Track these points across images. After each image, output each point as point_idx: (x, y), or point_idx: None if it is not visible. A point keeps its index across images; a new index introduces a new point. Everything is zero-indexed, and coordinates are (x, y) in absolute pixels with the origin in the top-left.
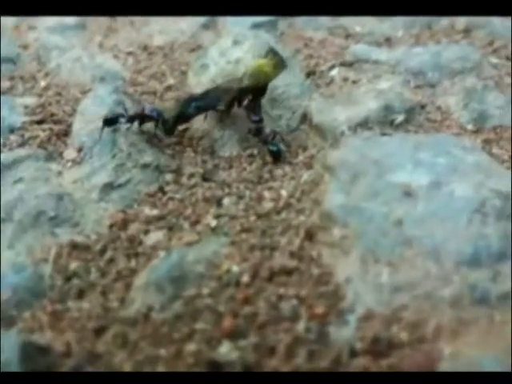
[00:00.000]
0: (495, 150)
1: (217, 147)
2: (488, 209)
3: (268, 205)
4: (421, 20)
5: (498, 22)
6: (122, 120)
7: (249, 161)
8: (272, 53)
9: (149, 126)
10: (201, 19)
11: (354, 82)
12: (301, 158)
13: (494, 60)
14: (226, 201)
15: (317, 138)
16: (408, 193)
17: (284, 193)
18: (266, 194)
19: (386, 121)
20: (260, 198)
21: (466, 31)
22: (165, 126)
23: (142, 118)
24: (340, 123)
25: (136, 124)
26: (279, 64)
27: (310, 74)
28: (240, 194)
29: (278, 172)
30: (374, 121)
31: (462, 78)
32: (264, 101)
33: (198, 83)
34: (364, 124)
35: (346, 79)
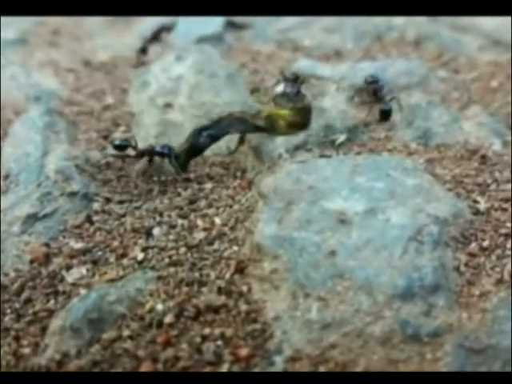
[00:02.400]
0: (438, 170)
1: (152, 170)
2: (424, 236)
3: (200, 235)
4: (371, 32)
5: (447, 34)
6: (131, 152)
7: (184, 185)
8: (296, 110)
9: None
10: (145, 33)
11: None
12: (238, 181)
13: (442, 73)
14: (156, 231)
15: (255, 160)
16: (343, 220)
17: (218, 221)
18: (199, 222)
19: (326, 141)
20: (192, 227)
21: (416, 43)
22: (177, 161)
23: (151, 154)
24: (278, 145)
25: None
26: (297, 123)
27: (254, 90)
28: (172, 222)
29: (214, 197)
30: (313, 142)
31: (408, 94)
32: (202, 120)
33: (139, 101)
34: (303, 145)
35: None
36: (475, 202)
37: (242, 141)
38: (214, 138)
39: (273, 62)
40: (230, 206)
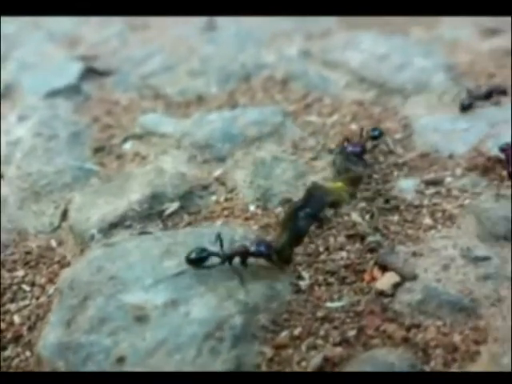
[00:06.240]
0: (270, 239)
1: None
2: (225, 331)
3: None
4: (238, 73)
5: (315, 72)
6: (215, 259)
7: None
8: (348, 181)
9: None
10: None
11: (144, 158)
12: (55, 266)
13: (303, 118)
14: None
15: (72, 242)
16: (139, 317)
17: (17, 319)
18: None
19: (152, 213)
20: None
21: (284, 83)
22: (281, 255)
23: (244, 255)
24: (92, 224)
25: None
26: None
27: (98, 150)
28: None
29: (24, 288)
30: (134, 216)
31: (258, 146)
32: (27, 194)
33: None
34: (121, 222)
35: (137, 154)
36: (299, 277)
37: (64, 216)
38: (314, 216)
39: (129, 114)
40: (37, 299)
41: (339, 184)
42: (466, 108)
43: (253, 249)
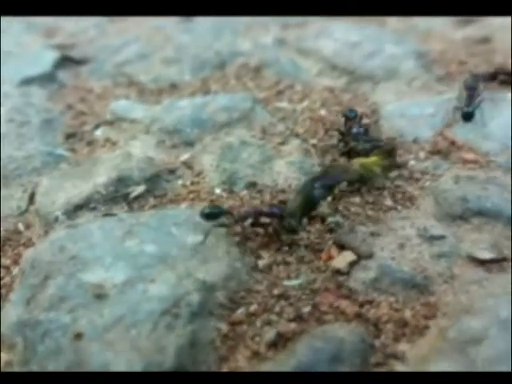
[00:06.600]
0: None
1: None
2: (182, 308)
3: None
4: (212, 61)
5: (288, 60)
6: (225, 218)
7: None
8: (383, 152)
9: None
10: None
11: (114, 144)
12: (21, 248)
13: (274, 104)
14: None
15: (37, 225)
16: (99, 295)
17: None
18: None
19: (117, 196)
20: None
21: (257, 70)
22: (290, 220)
23: (257, 215)
24: (57, 207)
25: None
26: (390, 165)
27: (69, 136)
28: None
29: None
30: (99, 199)
31: (227, 132)
32: None
33: None
34: (86, 204)
35: (107, 140)
36: (258, 257)
37: (31, 199)
38: (329, 189)
39: (102, 101)
40: (1, 279)
41: (373, 158)
42: (469, 89)
43: (266, 209)
